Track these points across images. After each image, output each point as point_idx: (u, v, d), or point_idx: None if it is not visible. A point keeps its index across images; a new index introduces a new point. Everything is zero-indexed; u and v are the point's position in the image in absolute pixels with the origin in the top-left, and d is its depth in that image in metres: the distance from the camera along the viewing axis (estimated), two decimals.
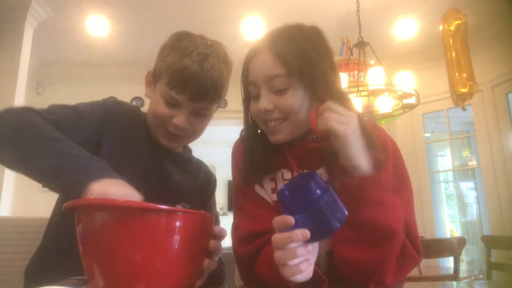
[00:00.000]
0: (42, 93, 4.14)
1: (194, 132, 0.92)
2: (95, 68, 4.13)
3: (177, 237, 0.54)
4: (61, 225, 0.86)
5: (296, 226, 0.55)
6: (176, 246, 0.54)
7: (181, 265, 0.55)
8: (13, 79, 2.90)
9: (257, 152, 0.82)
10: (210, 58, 0.86)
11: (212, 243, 0.65)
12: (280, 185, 0.82)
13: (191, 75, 0.83)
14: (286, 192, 0.61)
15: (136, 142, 0.91)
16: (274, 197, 0.83)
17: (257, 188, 0.84)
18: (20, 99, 2.95)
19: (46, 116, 0.77)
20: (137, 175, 0.82)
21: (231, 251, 0.83)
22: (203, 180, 1.03)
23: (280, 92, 0.76)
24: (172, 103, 0.86)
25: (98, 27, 3.40)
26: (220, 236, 0.68)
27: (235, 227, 0.83)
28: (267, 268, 0.71)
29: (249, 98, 0.82)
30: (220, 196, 10.04)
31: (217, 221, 1.02)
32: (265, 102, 0.77)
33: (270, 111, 0.77)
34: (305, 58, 0.76)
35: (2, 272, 1.03)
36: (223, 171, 9.65)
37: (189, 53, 0.84)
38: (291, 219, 0.55)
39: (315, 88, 0.75)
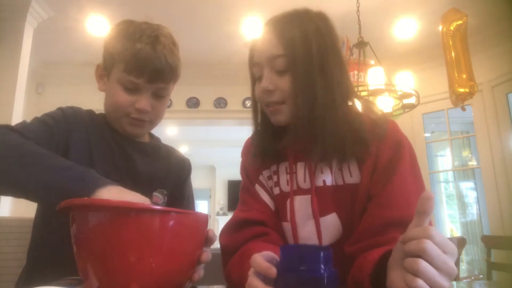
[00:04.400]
0: (42, 93, 4.14)
1: (156, 115, 0.93)
2: (95, 68, 4.13)
3: (171, 237, 0.54)
4: (45, 232, 0.87)
5: (276, 281, 0.50)
6: (170, 246, 0.54)
7: (175, 264, 0.55)
8: (13, 79, 2.89)
9: (264, 140, 0.83)
10: (160, 39, 0.87)
11: (205, 254, 0.63)
12: (283, 179, 0.83)
13: (146, 57, 0.84)
14: (291, 247, 0.58)
15: (100, 140, 0.91)
16: (277, 190, 0.84)
17: (257, 188, 0.86)
18: (20, 99, 2.94)
19: (24, 133, 0.76)
20: (106, 171, 0.83)
21: None
22: (176, 165, 1.04)
23: (280, 73, 0.76)
24: (131, 89, 0.87)
25: (98, 27, 3.40)
26: (211, 240, 0.65)
27: (231, 217, 0.86)
28: (237, 269, 0.71)
29: (255, 82, 0.82)
30: (220, 196, 10.05)
31: (192, 203, 1.06)
32: (267, 82, 0.77)
33: (271, 92, 0.77)
34: (307, 42, 0.74)
35: (1, 272, 1.03)
36: (223, 171, 9.70)
37: (138, 38, 0.86)
38: (272, 271, 0.50)
39: (315, 74, 0.73)
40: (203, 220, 0.60)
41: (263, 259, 0.52)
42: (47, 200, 0.69)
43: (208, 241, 0.65)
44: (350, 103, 0.79)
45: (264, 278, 0.52)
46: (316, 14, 0.80)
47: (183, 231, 0.55)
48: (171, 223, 0.54)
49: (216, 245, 0.90)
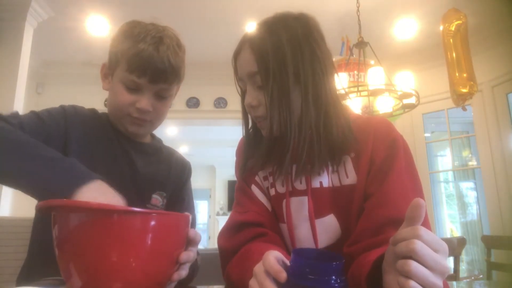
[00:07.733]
0: (42, 93, 4.14)
1: (158, 115, 0.93)
2: (95, 68, 4.12)
3: (151, 237, 0.54)
4: (43, 231, 0.87)
5: (283, 285, 0.49)
6: (151, 246, 0.54)
7: (156, 264, 0.56)
8: (13, 79, 2.89)
9: (256, 145, 0.83)
10: (164, 40, 0.88)
11: (183, 254, 0.61)
12: (278, 180, 0.82)
13: (148, 57, 0.84)
14: (304, 252, 0.56)
15: (102, 139, 0.92)
16: (273, 191, 0.83)
17: (253, 188, 0.86)
18: (20, 99, 2.94)
19: (11, 120, 0.76)
20: (107, 171, 0.83)
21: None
22: (176, 167, 1.03)
23: (261, 88, 0.75)
24: (133, 89, 0.87)
25: (98, 27, 3.40)
26: (193, 239, 0.64)
27: (227, 220, 0.85)
28: (238, 269, 0.71)
29: (244, 94, 0.82)
30: (220, 196, 10.05)
31: (191, 207, 1.05)
32: (250, 98, 0.77)
33: (256, 107, 0.76)
34: (280, 54, 0.72)
35: (2, 272, 1.03)
36: (223, 171, 9.70)
37: (143, 38, 0.86)
38: (282, 276, 0.48)
39: (289, 87, 0.72)
40: (184, 220, 0.61)
41: (276, 260, 0.51)
42: (27, 190, 0.68)
43: (191, 241, 0.64)
44: (339, 105, 0.78)
45: (273, 278, 0.51)
46: (294, 18, 0.77)
47: (163, 231, 0.56)
48: (151, 223, 0.54)
49: (215, 246, 0.89)
